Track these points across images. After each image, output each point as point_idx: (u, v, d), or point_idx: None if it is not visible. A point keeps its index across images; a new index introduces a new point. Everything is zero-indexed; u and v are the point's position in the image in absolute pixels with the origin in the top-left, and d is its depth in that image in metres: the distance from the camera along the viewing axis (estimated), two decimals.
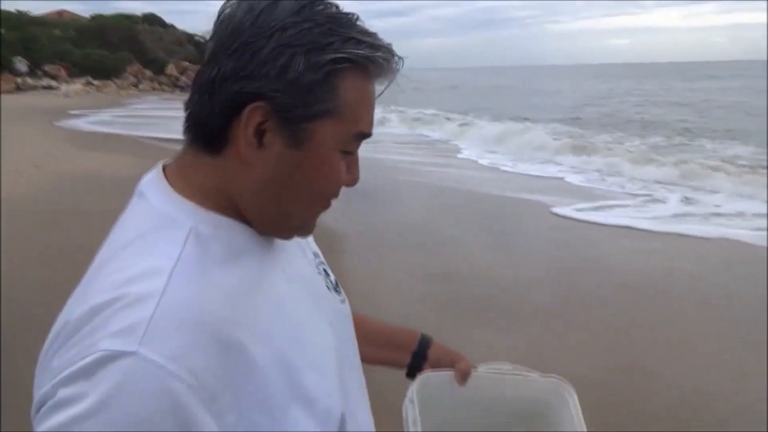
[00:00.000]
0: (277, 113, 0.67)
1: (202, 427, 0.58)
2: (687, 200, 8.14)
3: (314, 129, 0.68)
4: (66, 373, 0.57)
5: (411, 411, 1.07)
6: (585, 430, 1.11)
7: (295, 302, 0.75)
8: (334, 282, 0.92)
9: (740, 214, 7.33)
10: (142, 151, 11.80)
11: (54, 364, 0.60)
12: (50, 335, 0.64)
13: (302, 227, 0.77)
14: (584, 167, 11.27)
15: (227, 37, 0.68)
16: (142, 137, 14.91)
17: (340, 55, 0.67)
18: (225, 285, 0.66)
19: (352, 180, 0.75)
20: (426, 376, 1.13)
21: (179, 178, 0.72)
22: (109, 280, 0.63)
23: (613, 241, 5.98)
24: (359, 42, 0.68)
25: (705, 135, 16.29)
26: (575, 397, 1.17)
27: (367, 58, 0.69)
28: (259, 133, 0.68)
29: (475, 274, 4.92)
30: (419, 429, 1.03)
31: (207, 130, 0.70)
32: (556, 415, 1.18)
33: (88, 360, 0.57)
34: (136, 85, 41.28)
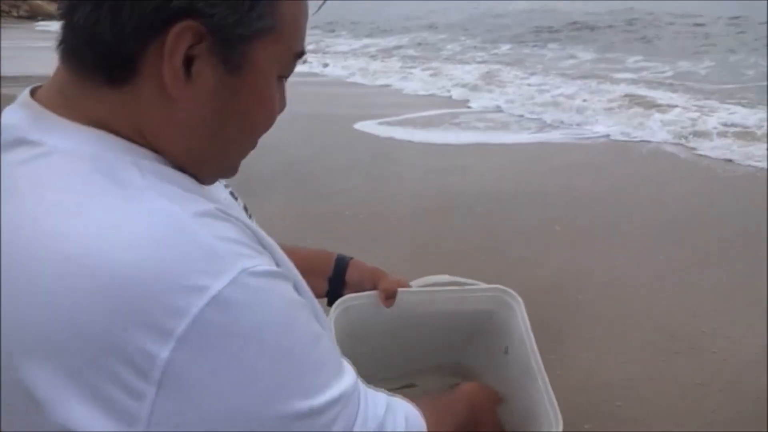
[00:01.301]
0: (214, 34, 0.54)
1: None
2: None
3: (254, 51, 0.57)
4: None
5: None
6: (533, 339, 0.96)
7: None
8: (244, 207, 0.82)
9: None
10: None
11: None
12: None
13: (230, 168, 0.66)
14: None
15: None
16: None
17: None
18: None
19: (283, 107, 0.65)
20: (343, 301, 0.97)
21: (74, 112, 0.55)
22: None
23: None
24: None
25: None
26: (522, 305, 1.01)
27: None
28: (187, 61, 0.54)
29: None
30: None
31: (111, 56, 0.53)
32: (502, 326, 1.03)
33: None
34: None
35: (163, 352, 0.44)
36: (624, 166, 4.83)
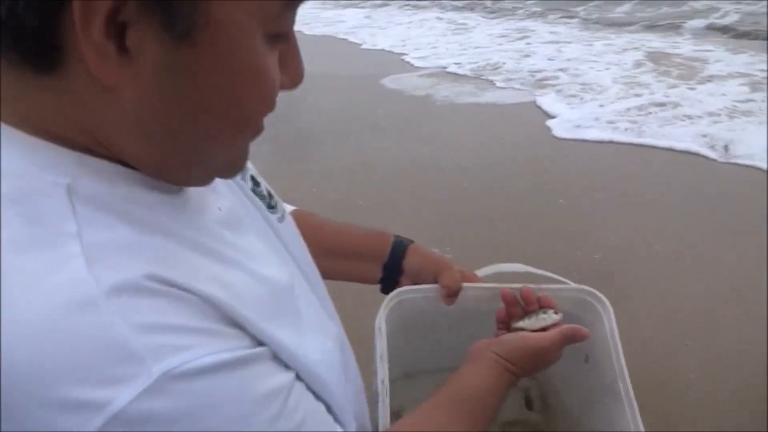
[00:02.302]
0: None
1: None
2: None
3: (211, 4, 0.38)
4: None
5: (378, 342, 0.80)
6: (621, 354, 0.81)
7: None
8: (266, 194, 0.66)
9: None
10: None
11: None
12: None
13: (226, 167, 0.49)
14: None
15: None
16: None
17: None
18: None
19: (293, 79, 0.47)
20: (398, 294, 0.84)
21: (14, 112, 0.42)
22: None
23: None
24: None
25: None
26: (610, 310, 0.85)
27: None
28: (117, 32, 0.38)
29: None
30: (385, 369, 0.77)
31: (27, 37, 0.38)
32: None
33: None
34: None
35: None
36: None
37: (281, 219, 0.66)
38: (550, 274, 0.90)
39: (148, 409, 0.36)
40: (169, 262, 0.41)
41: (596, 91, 5.36)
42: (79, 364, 0.35)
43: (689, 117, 4.54)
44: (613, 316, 0.84)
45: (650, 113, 4.68)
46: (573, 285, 0.88)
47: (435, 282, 0.85)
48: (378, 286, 0.90)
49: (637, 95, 5.18)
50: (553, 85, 5.66)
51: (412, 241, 0.90)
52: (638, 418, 0.76)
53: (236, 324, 0.43)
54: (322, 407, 0.50)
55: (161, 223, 0.44)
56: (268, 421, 0.41)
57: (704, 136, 4.14)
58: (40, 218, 0.39)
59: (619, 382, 0.79)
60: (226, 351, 0.40)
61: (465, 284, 0.85)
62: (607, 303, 0.85)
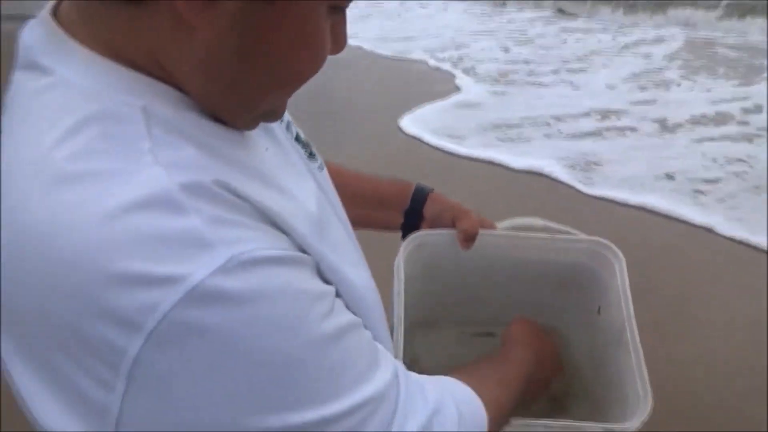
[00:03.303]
0: None
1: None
2: None
3: None
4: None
5: (396, 281, 0.83)
6: (630, 305, 0.83)
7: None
8: (306, 142, 0.70)
9: None
10: None
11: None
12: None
13: (269, 113, 0.54)
14: None
15: None
16: None
17: None
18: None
19: (338, 48, 0.52)
20: (416, 237, 0.88)
21: (86, 33, 0.47)
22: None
23: None
24: None
25: None
26: (623, 261, 0.87)
27: None
28: None
29: None
30: (401, 305, 0.80)
31: None
32: (597, 283, 0.90)
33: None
34: None
35: (132, 348, 0.37)
36: None
37: (321, 168, 0.69)
38: (565, 228, 0.93)
39: (220, 286, 0.38)
40: (230, 177, 0.45)
41: None
42: (156, 244, 0.38)
43: None
44: (625, 267, 0.86)
45: None
46: (586, 237, 0.90)
47: (453, 227, 0.88)
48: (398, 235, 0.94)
49: None
50: None
51: (432, 189, 0.93)
52: (643, 365, 0.78)
53: (286, 233, 0.47)
54: (360, 321, 0.51)
55: (224, 150, 0.47)
56: (319, 318, 0.44)
57: None
58: (116, 135, 0.42)
59: (627, 331, 0.82)
60: (282, 249, 0.44)
61: (482, 230, 0.88)
62: (620, 254, 0.87)
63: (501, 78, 6.62)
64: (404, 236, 0.94)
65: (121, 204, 0.39)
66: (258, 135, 0.55)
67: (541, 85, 6.33)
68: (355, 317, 0.49)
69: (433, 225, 0.91)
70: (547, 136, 4.68)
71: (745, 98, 5.39)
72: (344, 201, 0.73)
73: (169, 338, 0.38)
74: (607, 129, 4.78)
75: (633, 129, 4.79)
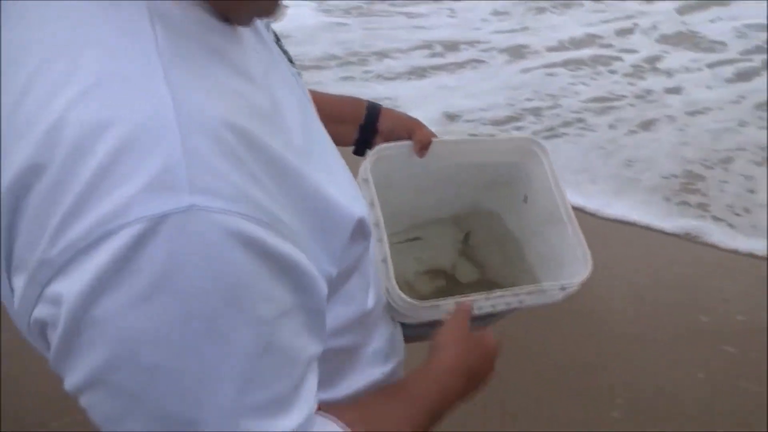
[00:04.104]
0: None
1: (302, 265, 0.45)
2: None
3: None
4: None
5: (366, 192, 0.91)
6: (562, 188, 0.99)
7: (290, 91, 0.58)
8: (285, 50, 0.70)
9: None
10: None
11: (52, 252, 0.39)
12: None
13: (265, 11, 0.54)
14: None
15: None
16: None
17: None
18: (230, 86, 0.47)
19: None
20: (379, 150, 0.95)
21: None
22: (69, 104, 0.40)
23: None
24: None
25: None
26: (548, 154, 1.03)
27: None
28: None
29: None
30: (378, 212, 0.88)
31: None
32: (524, 175, 1.06)
33: (119, 242, 0.38)
34: None
35: (57, 259, 0.39)
36: None
37: (300, 74, 0.72)
38: (501, 135, 1.07)
39: (156, 231, 0.38)
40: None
41: None
42: (128, 172, 0.39)
43: None
44: (551, 158, 1.02)
45: None
46: (518, 135, 1.05)
47: (409, 139, 0.97)
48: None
49: None
50: None
51: (381, 105, 1.00)
52: (579, 232, 0.95)
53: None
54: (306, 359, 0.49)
55: (226, 57, 0.48)
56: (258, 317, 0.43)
57: None
58: (126, 29, 0.43)
59: (561, 209, 0.98)
60: (267, 231, 0.43)
61: (434, 138, 0.98)
62: (546, 148, 1.02)
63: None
64: (357, 152, 1.00)
65: (112, 117, 0.40)
66: (249, 36, 0.56)
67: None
68: (306, 352, 0.48)
69: (388, 138, 0.98)
70: None
71: None
72: None
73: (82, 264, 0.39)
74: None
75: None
